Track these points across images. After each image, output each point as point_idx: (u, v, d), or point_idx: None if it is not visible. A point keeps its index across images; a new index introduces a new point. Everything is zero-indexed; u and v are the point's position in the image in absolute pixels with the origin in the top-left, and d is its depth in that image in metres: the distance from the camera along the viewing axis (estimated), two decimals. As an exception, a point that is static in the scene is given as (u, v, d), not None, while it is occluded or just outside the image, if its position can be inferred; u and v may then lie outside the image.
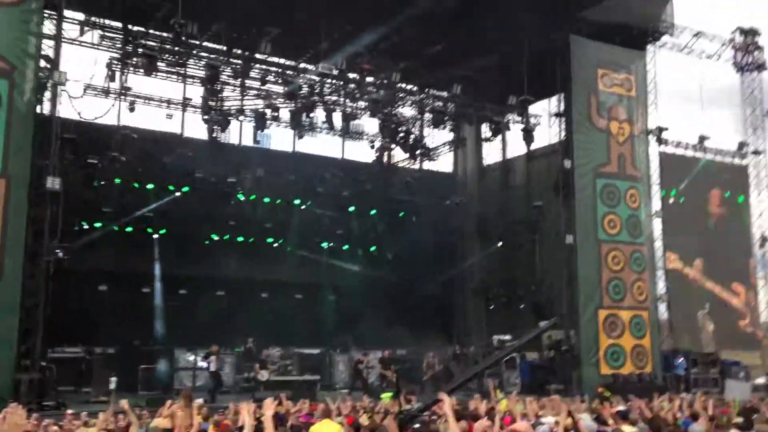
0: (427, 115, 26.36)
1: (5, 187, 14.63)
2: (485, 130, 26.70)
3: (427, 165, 28.44)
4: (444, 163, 29.35)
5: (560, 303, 21.29)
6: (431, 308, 24.18)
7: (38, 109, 16.14)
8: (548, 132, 24.09)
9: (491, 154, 28.18)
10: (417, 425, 6.57)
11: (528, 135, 23.76)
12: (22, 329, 14.53)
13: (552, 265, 22.67)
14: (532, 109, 24.45)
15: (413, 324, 21.22)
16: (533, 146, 24.53)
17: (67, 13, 17.76)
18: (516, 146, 26.47)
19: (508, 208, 25.84)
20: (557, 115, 23.24)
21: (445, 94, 24.79)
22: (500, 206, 26.19)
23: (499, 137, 26.49)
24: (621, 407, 10.20)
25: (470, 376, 9.51)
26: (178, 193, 22.49)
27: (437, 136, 28.22)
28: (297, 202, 24.76)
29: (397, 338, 21.88)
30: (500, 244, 25.40)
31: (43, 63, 16.27)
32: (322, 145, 26.73)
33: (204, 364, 19.14)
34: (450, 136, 28.46)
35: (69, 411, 11.97)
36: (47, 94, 16.66)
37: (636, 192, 21.98)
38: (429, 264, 25.12)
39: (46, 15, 16.21)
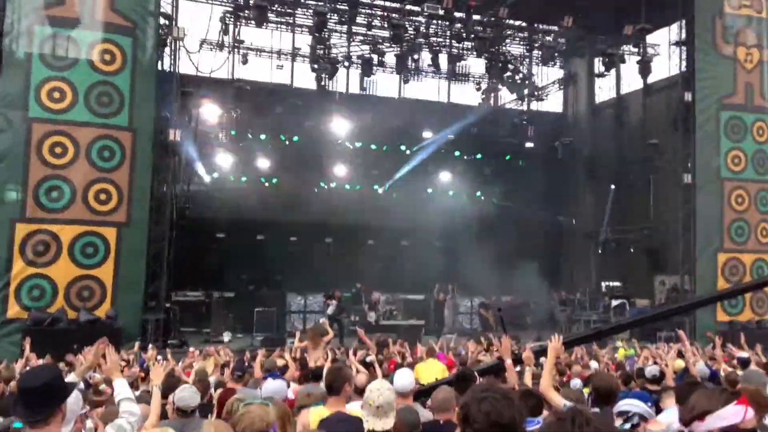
0: (536, 52, 25.50)
1: (132, 139, 15.59)
2: (598, 64, 25.47)
3: (536, 105, 27.65)
4: (553, 102, 28.41)
5: (675, 247, 20.33)
6: (538, 253, 23.71)
7: (159, 65, 17.05)
8: (667, 63, 22.72)
9: (604, 90, 26.93)
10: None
11: (645, 67, 22.57)
12: (149, 273, 15.73)
13: (668, 206, 21.58)
14: (650, 38, 23.20)
15: (519, 269, 21.02)
16: (650, 79, 23.29)
17: (182, -30, 18.42)
18: (631, 81, 25.13)
19: (622, 147, 24.59)
20: (678, 43, 21.70)
21: (555, 28, 23.85)
22: (613, 146, 24.96)
23: (613, 72, 25.15)
24: (743, 353, 9.81)
25: (608, 329, 9.28)
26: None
27: (546, 74, 27.36)
28: (403, 147, 24.87)
29: (503, 284, 21.72)
30: (612, 186, 24.37)
31: (162, 20, 17.10)
32: (428, 89, 26.52)
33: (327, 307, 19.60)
34: (560, 73, 27.41)
35: (191, 349, 12.89)
36: (167, 50, 17.61)
37: (764, 125, 20.15)
38: (537, 208, 24.67)
39: (163, -28, 16.83)
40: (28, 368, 7.20)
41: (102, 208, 15.07)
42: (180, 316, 17.40)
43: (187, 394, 4.81)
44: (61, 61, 15.17)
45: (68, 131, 15.00)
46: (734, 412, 2.54)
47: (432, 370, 8.29)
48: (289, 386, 6.37)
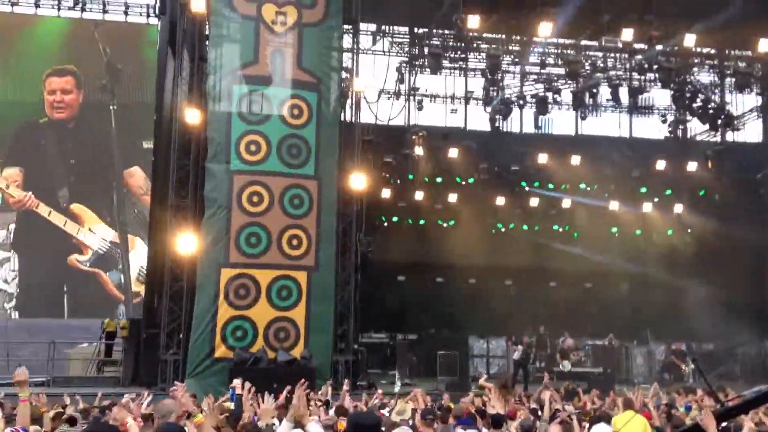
0: (729, 80, 23.63)
1: (317, 187, 16.43)
2: (801, 88, 23.16)
3: (731, 136, 25.45)
4: (752, 131, 26.01)
5: None
6: (743, 293, 21.44)
7: (341, 116, 17.88)
8: None
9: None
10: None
11: None
12: (337, 315, 16.25)
13: None
14: None
15: (721, 312, 19.10)
16: None
17: (361, 25, 19.29)
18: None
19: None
20: None
21: (749, 53, 22.01)
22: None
23: (818, 95, 22.71)
24: None
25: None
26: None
27: (743, 102, 25.18)
28: (582, 186, 23.88)
29: (703, 328, 19.85)
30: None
31: (343, 74, 17.98)
32: (608, 124, 25.42)
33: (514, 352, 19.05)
34: (758, 100, 25.08)
35: (379, 391, 12.91)
36: (348, 102, 18.42)
37: None
38: (737, 247, 22.48)
39: (344, 30, 17.81)
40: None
41: (294, 252, 15.90)
42: (366, 357, 17.68)
43: None
44: (257, 116, 16.39)
45: (264, 181, 16.09)
46: None
47: (633, 425, 7.59)
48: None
